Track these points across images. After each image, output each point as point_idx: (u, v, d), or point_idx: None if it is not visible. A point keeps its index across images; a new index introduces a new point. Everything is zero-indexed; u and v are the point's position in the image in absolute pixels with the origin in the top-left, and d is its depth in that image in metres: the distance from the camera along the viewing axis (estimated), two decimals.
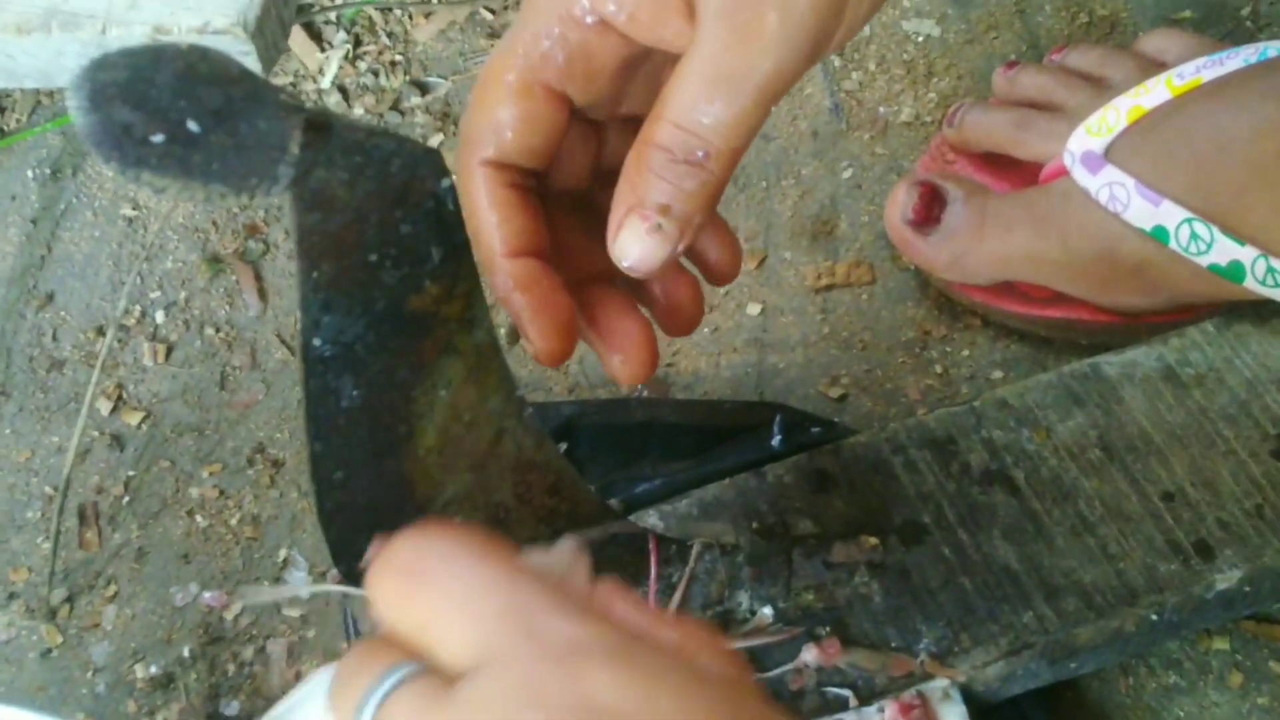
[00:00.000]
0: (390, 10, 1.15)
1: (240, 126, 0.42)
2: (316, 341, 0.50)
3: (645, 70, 0.63)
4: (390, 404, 0.53)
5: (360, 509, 0.57)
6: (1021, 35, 1.11)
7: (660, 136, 0.56)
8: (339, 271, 0.49)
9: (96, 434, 0.99)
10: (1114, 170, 0.87)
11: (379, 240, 0.49)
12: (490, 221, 0.60)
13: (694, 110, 0.56)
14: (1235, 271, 0.84)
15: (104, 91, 0.41)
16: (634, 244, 0.56)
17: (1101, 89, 0.93)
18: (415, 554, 0.43)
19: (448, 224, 0.51)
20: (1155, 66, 0.92)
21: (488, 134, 0.60)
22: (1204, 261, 0.85)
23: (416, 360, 0.53)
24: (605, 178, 0.64)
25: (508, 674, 0.40)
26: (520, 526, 0.65)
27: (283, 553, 0.93)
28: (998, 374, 0.95)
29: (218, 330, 1.03)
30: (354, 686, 0.42)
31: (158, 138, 0.41)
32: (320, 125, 0.45)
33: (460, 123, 0.60)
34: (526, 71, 0.59)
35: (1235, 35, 1.09)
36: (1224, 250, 0.84)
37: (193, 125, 0.41)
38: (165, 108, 0.41)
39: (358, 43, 1.14)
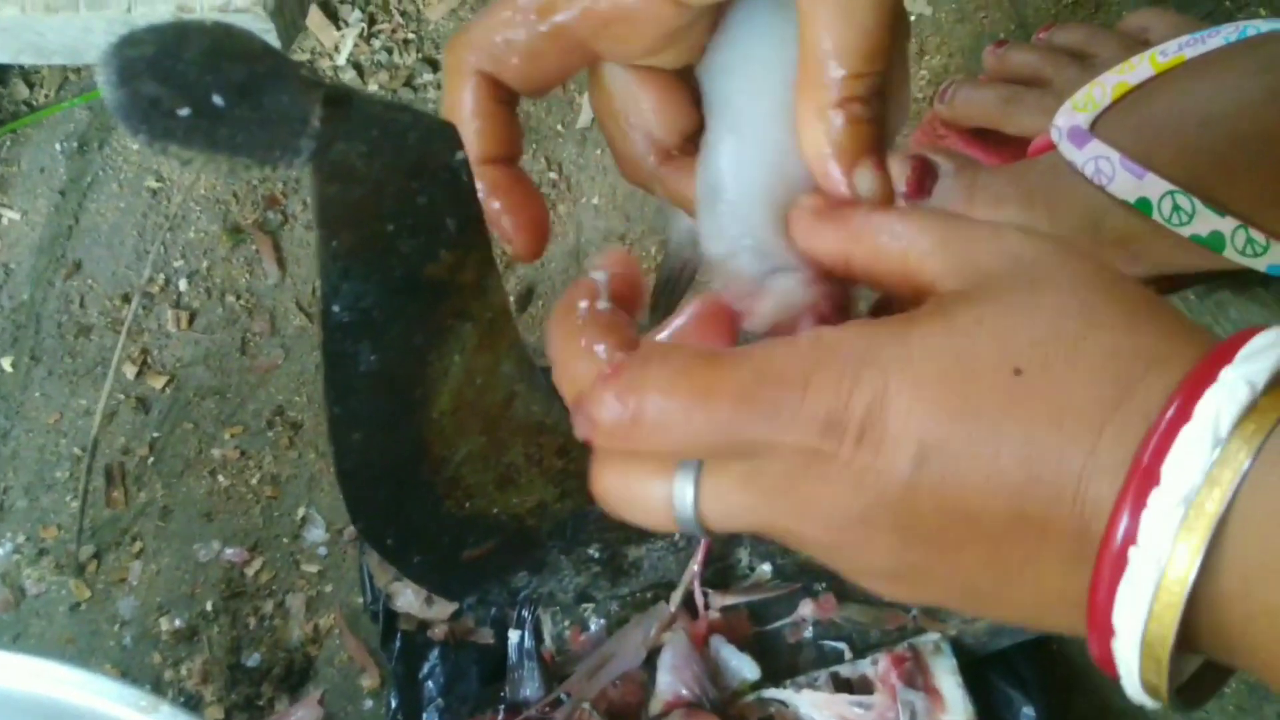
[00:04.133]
0: None
1: (263, 101, 0.42)
2: (336, 308, 0.49)
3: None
4: (406, 368, 0.53)
5: (377, 469, 0.57)
6: (1010, 15, 1.10)
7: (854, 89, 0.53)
8: (358, 240, 0.48)
9: (122, 397, 0.99)
10: (1099, 144, 0.86)
11: (396, 210, 0.49)
12: (472, 128, 0.58)
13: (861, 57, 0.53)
14: (1216, 241, 0.84)
15: (132, 67, 0.40)
16: (872, 182, 0.54)
17: (1087, 66, 0.92)
18: (633, 405, 0.48)
19: (462, 195, 0.51)
20: (1139, 45, 0.92)
21: (496, 48, 0.57)
22: (1186, 232, 0.84)
23: (432, 326, 0.53)
24: None
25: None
26: (531, 486, 0.64)
27: (301, 511, 0.94)
28: None
29: (238, 298, 1.03)
30: (649, 491, 0.50)
31: (184, 111, 0.41)
32: (340, 100, 0.44)
33: (475, 18, 0.57)
34: (564, 22, 0.57)
35: (1215, 15, 1.09)
36: (1205, 221, 0.84)
37: (218, 99, 0.41)
38: (191, 83, 0.41)
39: (372, 21, 1.14)
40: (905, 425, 0.44)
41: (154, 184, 1.08)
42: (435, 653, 0.82)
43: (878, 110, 0.54)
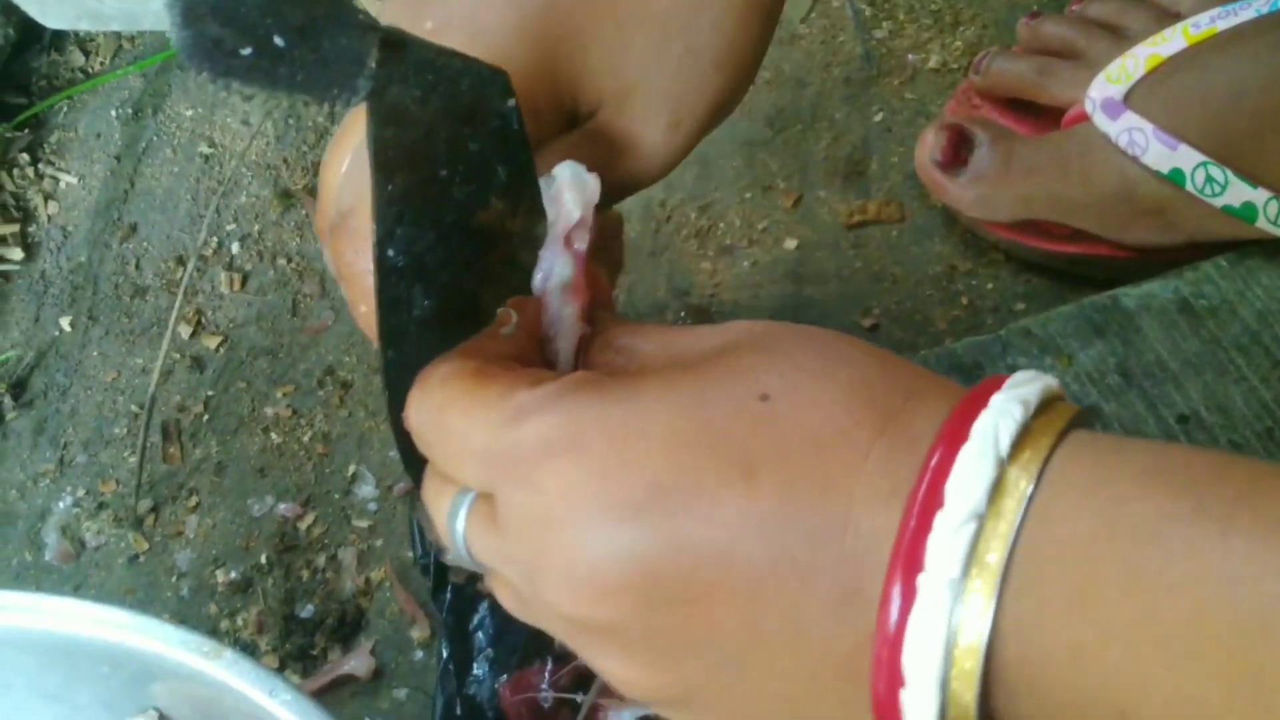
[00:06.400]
0: None
1: (322, 42, 0.42)
2: (390, 252, 0.49)
3: None
4: (458, 314, 0.53)
5: None
6: None
7: None
8: (411, 185, 0.48)
9: (178, 356, 1.00)
10: (1133, 116, 0.86)
11: (449, 156, 0.49)
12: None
13: None
14: (1248, 212, 0.83)
15: (197, 9, 0.40)
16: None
17: (1120, 38, 0.92)
18: (418, 417, 0.48)
19: (513, 143, 0.51)
20: (1170, 16, 0.91)
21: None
22: (1218, 203, 0.84)
23: (483, 273, 0.53)
24: None
25: (512, 493, 0.43)
26: None
27: (351, 468, 0.93)
28: (1020, 306, 0.94)
29: (289, 260, 1.03)
30: (439, 507, 0.48)
31: (246, 51, 0.41)
32: (395, 43, 0.44)
33: (328, 185, 0.55)
34: None
35: None
36: (1238, 192, 0.83)
37: (278, 40, 0.41)
38: (253, 24, 0.41)
39: None
40: (636, 462, 0.40)
41: (207, 150, 1.09)
42: (484, 605, 0.82)
43: None
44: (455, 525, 0.47)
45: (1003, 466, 0.37)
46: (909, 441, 0.39)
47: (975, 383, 0.79)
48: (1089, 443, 0.39)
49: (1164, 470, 0.37)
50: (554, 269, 0.53)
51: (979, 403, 0.39)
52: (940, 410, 0.40)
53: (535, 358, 0.50)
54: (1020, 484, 0.37)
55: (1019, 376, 0.40)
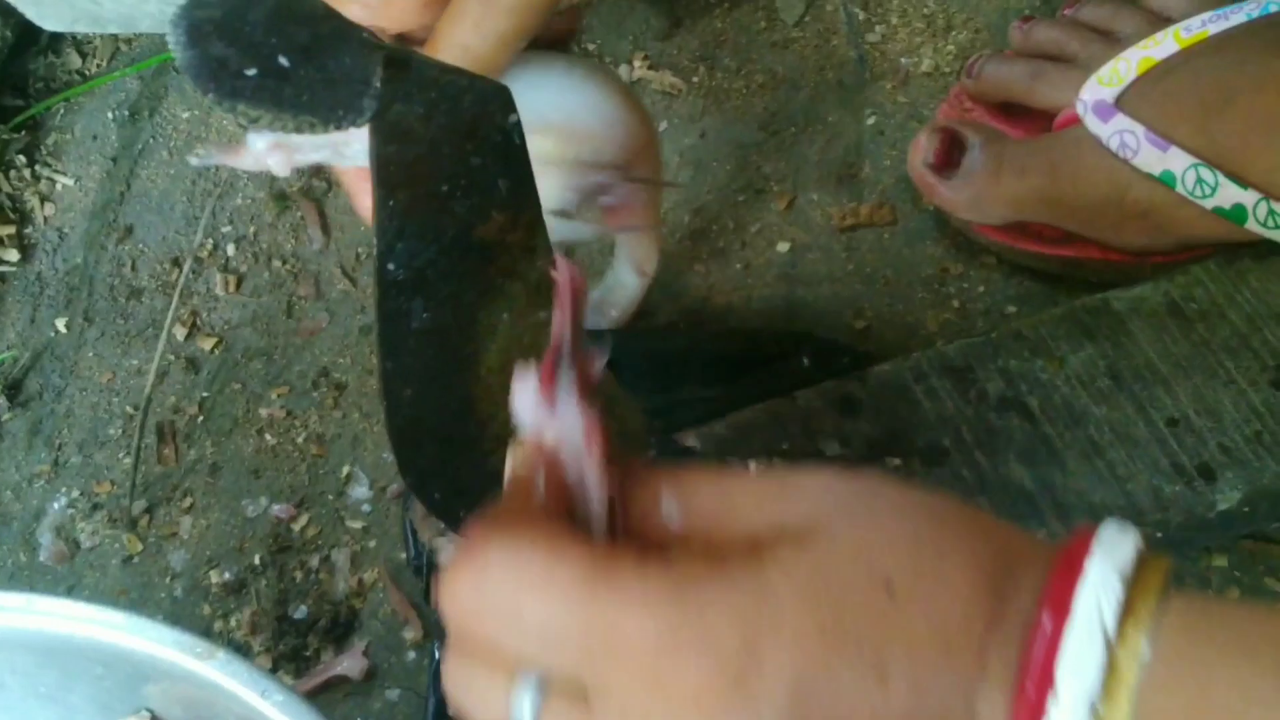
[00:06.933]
0: None
1: (327, 62, 0.42)
2: (390, 266, 0.50)
3: None
4: (457, 326, 0.53)
5: (426, 425, 0.57)
6: None
7: None
8: (413, 200, 0.49)
9: (173, 358, 1.00)
10: (1124, 118, 0.86)
11: (450, 171, 0.49)
12: None
13: None
14: (1238, 214, 0.84)
15: (201, 28, 0.41)
16: None
17: (1112, 41, 0.92)
18: (477, 601, 0.42)
19: (514, 157, 0.51)
20: (1162, 20, 0.91)
21: None
22: (1209, 204, 0.84)
23: (482, 285, 0.53)
24: None
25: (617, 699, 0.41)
26: None
27: (345, 469, 0.94)
28: (1012, 308, 0.94)
29: (284, 262, 1.03)
30: (487, 699, 0.43)
31: (251, 71, 0.41)
32: (400, 62, 0.45)
33: None
34: None
35: None
36: (1228, 194, 0.83)
37: (283, 60, 0.41)
38: (258, 44, 0.41)
39: None
40: (771, 661, 0.39)
41: (203, 152, 1.09)
42: None
43: None
44: (521, 714, 0.42)
45: (1111, 649, 0.38)
46: (1022, 625, 0.39)
47: (966, 386, 0.80)
48: (1180, 612, 0.39)
49: (1249, 643, 0.37)
50: (563, 426, 0.47)
51: (1074, 570, 0.39)
52: (1039, 579, 0.40)
53: (565, 515, 0.46)
54: (1131, 671, 0.37)
55: (1108, 534, 0.40)
